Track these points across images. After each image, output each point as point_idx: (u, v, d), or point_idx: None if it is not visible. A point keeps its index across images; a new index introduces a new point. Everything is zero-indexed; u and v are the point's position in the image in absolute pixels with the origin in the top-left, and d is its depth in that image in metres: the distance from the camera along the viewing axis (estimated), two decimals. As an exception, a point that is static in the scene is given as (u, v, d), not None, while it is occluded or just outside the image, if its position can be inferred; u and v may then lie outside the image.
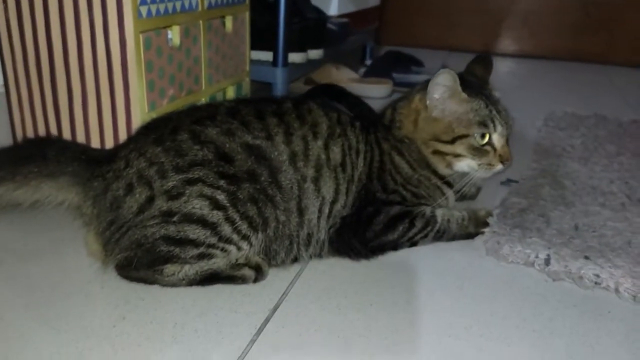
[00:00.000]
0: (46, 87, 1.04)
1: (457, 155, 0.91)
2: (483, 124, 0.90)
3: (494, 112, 0.91)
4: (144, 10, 0.96)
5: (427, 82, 0.92)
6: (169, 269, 0.79)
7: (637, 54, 2.66)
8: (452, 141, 0.91)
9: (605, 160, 1.31)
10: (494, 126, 0.90)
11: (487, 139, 0.90)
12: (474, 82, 0.95)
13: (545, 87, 2.24)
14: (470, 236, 0.96)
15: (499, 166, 0.92)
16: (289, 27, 1.49)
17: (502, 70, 2.53)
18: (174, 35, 1.06)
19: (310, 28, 1.63)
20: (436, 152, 0.93)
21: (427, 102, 0.91)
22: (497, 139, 0.91)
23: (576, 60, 2.75)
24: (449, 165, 0.93)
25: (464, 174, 0.95)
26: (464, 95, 0.90)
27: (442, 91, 0.90)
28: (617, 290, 0.82)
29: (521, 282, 0.86)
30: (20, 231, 0.94)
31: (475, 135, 0.90)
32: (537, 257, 0.88)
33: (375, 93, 1.84)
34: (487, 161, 0.91)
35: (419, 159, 0.94)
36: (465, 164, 0.92)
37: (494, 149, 0.91)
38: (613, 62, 2.70)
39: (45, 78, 1.03)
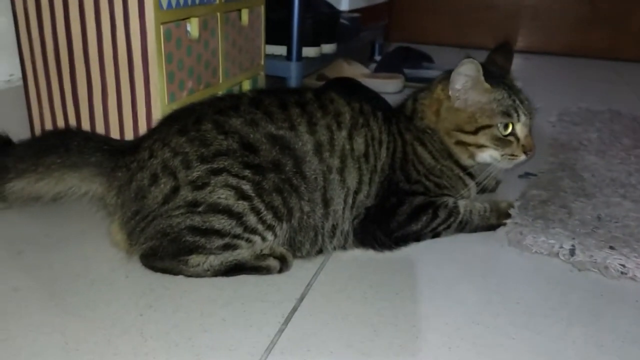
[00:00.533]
0: (65, 80, 1.04)
1: (480, 146, 0.91)
2: (506, 113, 0.90)
3: (517, 102, 0.91)
4: (164, 1, 0.96)
5: (449, 72, 0.92)
6: (194, 259, 0.79)
7: (645, 49, 2.66)
8: (475, 132, 0.90)
9: (623, 154, 1.30)
10: (518, 116, 0.90)
11: (510, 129, 0.90)
12: (496, 72, 0.95)
13: (556, 82, 2.23)
14: (492, 228, 0.96)
15: (522, 157, 0.92)
16: (303, 21, 1.48)
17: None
18: (192, 27, 1.06)
19: (324, 22, 1.63)
20: (459, 143, 0.92)
21: (450, 92, 0.91)
22: (520, 129, 0.91)
23: (585, 55, 2.75)
24: (472, 156, 0.93)
25: (485, 165, 0.94)
26: (487, 85, 0.90)
27: (464, 81, 0.89)
28: (643, 280, 0.81)
29: (546, 272, 0.86)
30: (42, 223, 0.94)
31: (499, 125, 0.89)
32: (561, 247, 0.87)
33: (387, 88, 1.83)
34: (511, 152, 0.91)
35: (442, 149, 0.94)
36: (488, 155, 0.92)
37: (517, 139, 0.91)
38: (621, 58, 2.69)
39: (65, 70, 1.03)
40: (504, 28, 2.84)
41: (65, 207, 0.96)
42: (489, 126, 0.90)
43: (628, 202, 1.04)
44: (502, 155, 0.92)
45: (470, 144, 0.92)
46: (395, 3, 2.81)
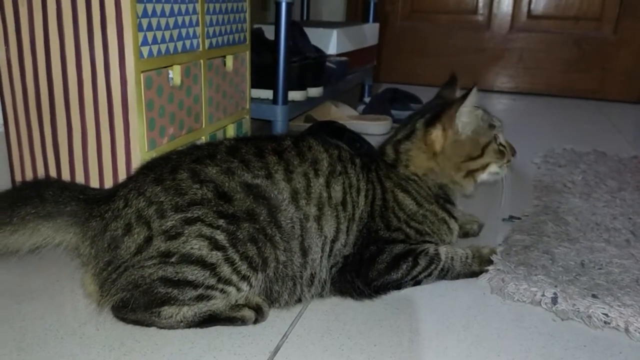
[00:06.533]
0: (46, 127, 1.04)
1: (486, 166, 0.96)
2: (493, 125, 0.96)
3: (488, 113, 0.97)
4: (145, 50, 0.97)
5: (429, 114, 0.97)
6: (167, 311, 0.77)
7: (630, 89, 2.69)
8: (482, 153, 0.95)
9: (607, 196, 1.30)
10: (499, 125, 0.97)
11: (499, 138, 0.96)
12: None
13: (542, 123, 2.25)
14: (474, 274, 0.95)
15: (512, 159, 1.00)
16: (289, 66, 1.50)
17: (499, 107, 2.55)
18: (175, 74, 1.07)
19: (310, 67, 1.65)
20: (468, 173, 0.96)
21: (458, 127, 0.93)
22: (502, 137, 0.97)
23: (571, 96, 2.78)
24: (475, 182, 0.98)
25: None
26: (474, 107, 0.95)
27: (470, 110, 0.93)
28: (627, 330, 0.80)
29: (528, 321, 0.84)
30: (15, 272, 0.93)
31: (495, 138, 0.95)
32: (543, 295, 0.86)
33: (375, 130, 1.84)
34: (507, 158, 0.98)
35: (427, 195, 0.95)
36: (488, 173, 0.97)
37: (504, 146, 0.97)
38: (607, 98, 2.73)
39: (45, 118, 1.03)
40: (491, 69, 2.89)
41: (41, 255, 0.94)
42: (489, 143, 0.95)
43: (612, 247, 1.03)
44: (501, 166, 0.97)
45: (478, 169, 0.96)
46: (384, 45, 2.86)
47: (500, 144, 0.97)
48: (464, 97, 0.91)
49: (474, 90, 0.91)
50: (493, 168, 0.97)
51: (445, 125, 0.94)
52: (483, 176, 0.97)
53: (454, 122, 0.93)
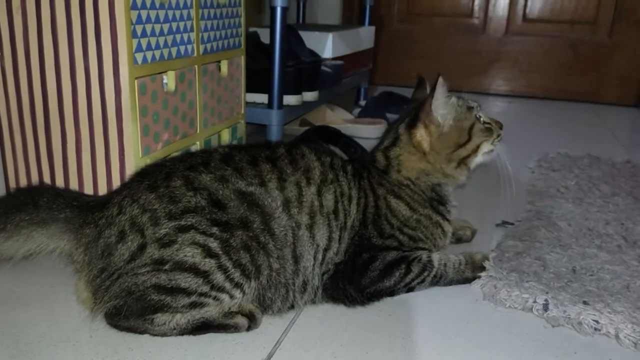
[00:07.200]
0: (40, 135, 1.04)
1: (477, 148, 0.96)
2: (471, 107, 0.97)
3: (462, 98, 0.99)
4: (139, 57, 0.97)
5: (409, 116, 0.98)
6: (160, 318, 0.77)
7: (625, 93, 2.71)
8: (469, 137, 0.96)
9: (600, 201, 1.30)
10: (475, 106, 0.98)
11: (482, 117, 0.97)
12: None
13: (537, 127, 2.26)
14: (467, 281, 0.95)
15: (501, 132, 1.00)
16: (285, 70, 1.51)
17: (494, 110, 2.56)
18: (169, 80, 1.07)
19: (305, 71, 1.65)
20: (461, 162, 0.96)
21: (438, 120, 0.94)
22: (483, 115, 0.99)
23: (566, 99, 2.79)
24: (468, 168, 0.98)
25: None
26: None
27: (444, 101, 0.94)
28: (617, 337, 0.80)
29: (520, 327, 0.85)
30: (9, 278, 0.93)
31: (477, 117, 0.96)
32: (535, 302, 0.86)
33: (370, 133, 1.85)
34: (497, 133, 0.99)
35: (421, 199, 0.95)
36: (482, 154, 0.97)
37: (489, 123, 0.98)
38: (602, 101, 2.74)
39: (40, 125, 1.03)
40: (487, 72, 2.90)
41: (35, 261, 0.94)
42: (473, 124, 0.96)
43: (604, 253, 1.03)
44: (493, 142, 0.98)
45: (470, 154, 0.96)
46: (379, 48, 2.86)
47: (485, 122, 0.97)
48: (432, 91, 0.93)
49: (440, 81, 0.92)
50: (486, 147, 0.97)
51: (426, 122, 0.95)
52: (478, 159, 0.98)
53: (432, 116, 0.94)
